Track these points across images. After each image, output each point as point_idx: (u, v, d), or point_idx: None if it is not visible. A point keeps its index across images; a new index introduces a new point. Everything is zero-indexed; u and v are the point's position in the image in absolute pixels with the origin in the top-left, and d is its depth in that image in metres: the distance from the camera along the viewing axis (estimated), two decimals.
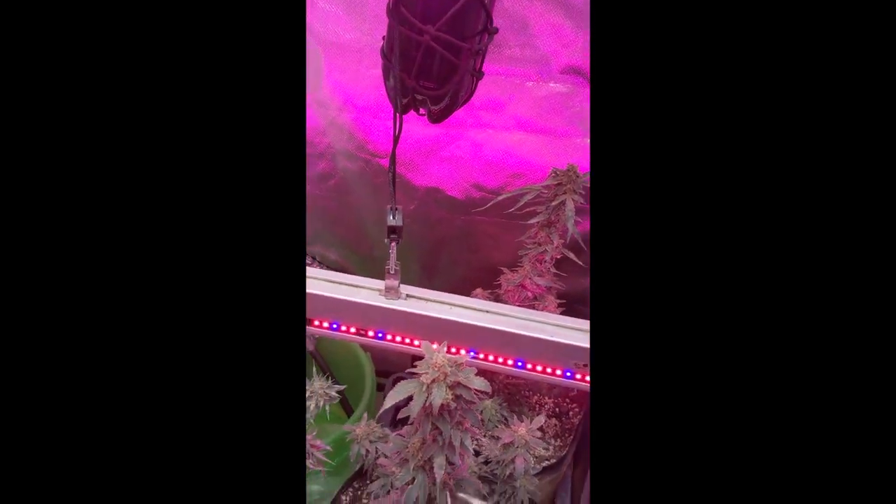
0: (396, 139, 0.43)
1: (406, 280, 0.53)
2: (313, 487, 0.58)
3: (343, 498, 0.57)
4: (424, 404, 0.34)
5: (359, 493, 0.57)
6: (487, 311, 0.49)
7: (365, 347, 0.77)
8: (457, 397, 0.35)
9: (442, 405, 0.34)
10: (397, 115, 0.43)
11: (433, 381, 0.34)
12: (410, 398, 0.35)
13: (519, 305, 0.57)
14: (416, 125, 0.66)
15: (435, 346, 0.35)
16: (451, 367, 0.34)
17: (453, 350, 0.49)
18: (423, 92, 0.44)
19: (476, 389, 0.35)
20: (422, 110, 0.46)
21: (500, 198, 0.52)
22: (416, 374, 0.35)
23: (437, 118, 0.46)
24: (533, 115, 0.62)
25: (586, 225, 0.66)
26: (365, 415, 0.51)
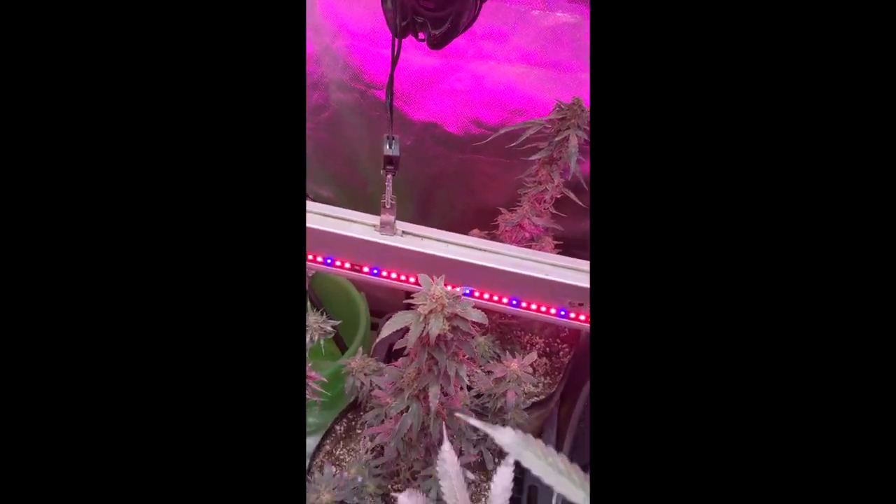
0: (395, 62, 0.41)
1: (401, 219, 0.52)
2: (308, 420, 0.60)
3: (337, 428, 0.58)
4: (421, 334, 0.34)
5: (353, 423, 0.58)
6: (484, 250, 0.48)
7: (359, 287, 0.77)
8: (453, 328, 0.35)
9: (439, 336, 0.34)
10: (393, 37, 0.40)
11: (430, 311, 0.34)
12: (407, 329, 0.35)
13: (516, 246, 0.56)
14: (413, 54, 0.63)
15: (434, 278, 0.35)
16: (449, 298, 0.34)
17: (449, 287, 0.49)
18: (424, 13, 0.41)
19: (473, 321, 0.35)
20: (421, 34, 0.43)
21: (500, 132, 0.50)
22: (414, 305, 0.34)
23: (437, 43, 0.43)
24: (537, 47, 0.59)
25: (582, 167, 0.65)
26: (360, 349, 0.52)
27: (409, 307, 0.35)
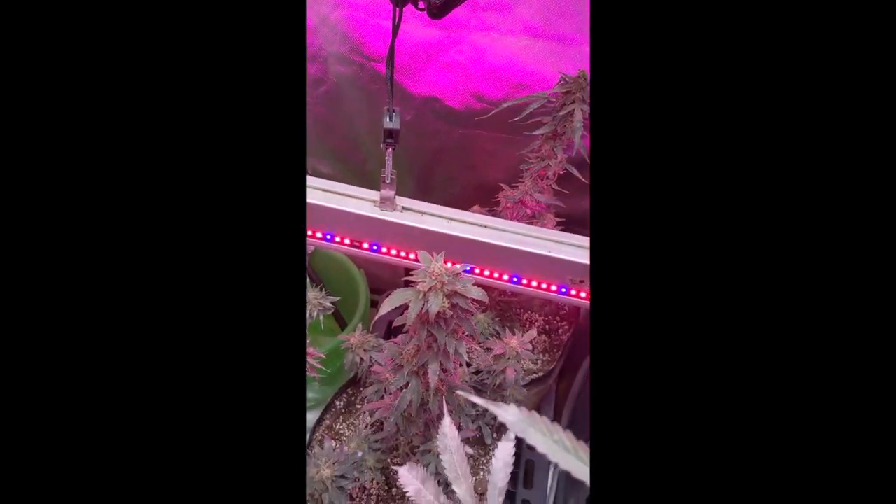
0: (395, 32, 0.40)
1: (401, 195, 0.51)
2: (308, 395, 0.60)
3: (337, 403, 0.58)
4: (420, 311, 0.34)
5: (353, 398, 0.59)
6: (484, 226, 0.48)
7: (358, 265, 0.76)
8: (453, 306, 0.34)
9: (438, 313, 0.34)
10: (396, 8, 0.39)
11: (430, 289, 0.33)
12: (406, 306, 0.34)
13: None
14: (414, 26, 0.61)
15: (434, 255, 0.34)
16: (449, 276, 0.34)
17: (449, 264, 0.49)
18: None
19: (473, 299, 0.35)
20: (421, 3, 0.41)
21: (503, 106, 0.49)
22: (413, 282, 0.34)
23: (437, 12, 0.42)
24: (541, 19, 0.57)
25: (586, 142, 0.64)
26: (360, 325, 0.52)
27: (408, 284, 0.35)
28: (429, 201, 0.68)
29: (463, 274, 0.35)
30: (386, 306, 0.34)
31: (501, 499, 0.25)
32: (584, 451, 0.18)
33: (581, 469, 0.17)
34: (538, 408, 0.74)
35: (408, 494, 0.29)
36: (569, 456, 0.17)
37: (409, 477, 0.30)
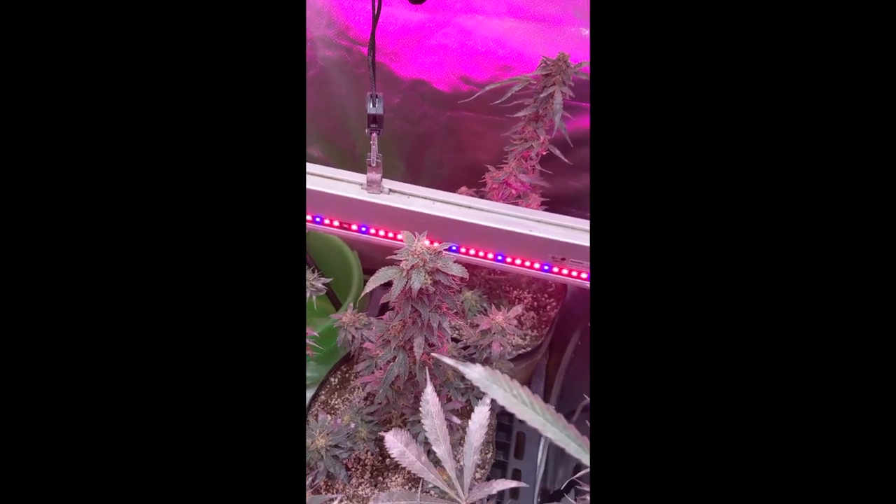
0: (376, 18, 0.41)
1: (390, 178, 0.52)
2: None
3: (332, 380, 0.61)
4: (404, 288, 0.35)
5: (347, 375, 0.61)
6: (469, 207, 0.49)
7: (352, 246, 0.78)
8: (435, 283, 0.36)
9: (421, 289, 0.35)
10: None
11: (412, 266, 0.35)
12: (391, 283, 0.36)
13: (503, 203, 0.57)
14: (399, 9, 0.62)
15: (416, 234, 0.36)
16: (430, 254, 0.35)
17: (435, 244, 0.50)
18: None
19: (453, 275, 0.36)
20: None
21: (486, 88, 0.50)
22: (397, 260, 0.36)
23: None
24: (526, 1, 0.58)
25: (578, 122, 0.65)
26: (351, 304, 0.54)
27: (392, 263, 0.36)
28: (419, 183, 0.69)
29: (444, 252, 0.36)
30: (371, 284, 0.36)
31: (476, 457, 0.27)
32: (538, 403, 0.20)
33: (536, 419, 0.19)
34: (529, 381, 0.77)
35: (393, 456, 0.31)
36: (526, 408, 0.19)
37: (394, 441, 0.32)
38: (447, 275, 0.36)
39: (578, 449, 0.20)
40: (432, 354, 0.35)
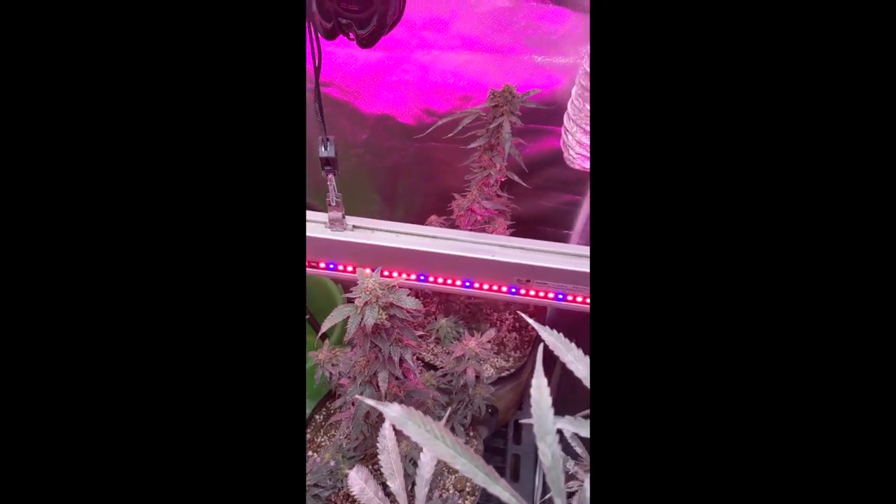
0: (318, 70, 0.42)
1: (369, 211, 0.54)
2: None
3: (317, 417, 0.61)
4: (359, 324, 0.36)
5: (331, 412, 0.61)
6: (433, 237, 0.50)
7: (335, 280, 0.79)
8: (391, 317, 0.37)
9: (376, 325, 0.36)
10: (315, 38, 0.42)
11: (366, 303, 0.36)
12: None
13: (470, 229, 0.58)
14: (357, 50, 0.64)
15: (368, 271, 0.37)
16: (383, 289, 0.36)
17: (404, 276, 0.51)
18: (347, 15, 0.42)
19: (408, 309, 0.37)
20: (350, 35, 0.44)
21: (439, 122, 0.51)
22: (351, 298, 0.37)
23: (366, 42, 0.45)
24: (478, 33, 0.60)
25: (541, 144, 0.66)
26: (326, 341, 0.54)
27: (348, 300, 0.37)
28: (395, 212, 0.70)
29: (399, 284, 0.37)
30: (328, 322, 0.37)
31: (427, 489, 0.28)
32: (449, 437, 0.21)
33: (447, 452, 0.20)
34: (520, 402, 0.76)
35: (353, 494, 0.32)
36: (437, 442, 0.20)
37: (355, 478, 0.32)
38: (402, 308, 0.37)
39: (486, 479, 0.20)
40: (356, 397, 0.35)
